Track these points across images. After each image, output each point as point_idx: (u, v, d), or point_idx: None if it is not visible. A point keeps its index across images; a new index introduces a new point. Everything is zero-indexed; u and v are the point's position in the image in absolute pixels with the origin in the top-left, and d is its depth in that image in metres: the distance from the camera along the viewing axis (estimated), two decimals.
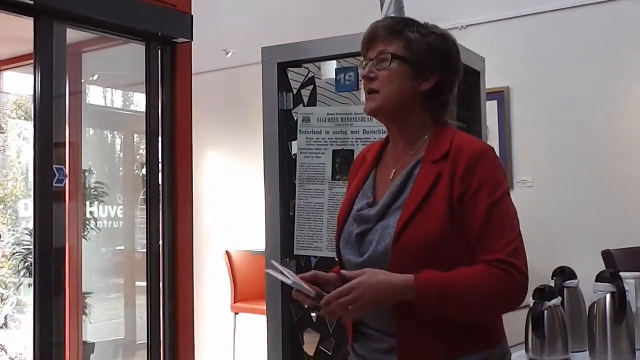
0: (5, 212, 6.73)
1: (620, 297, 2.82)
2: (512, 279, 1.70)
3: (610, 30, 4.72)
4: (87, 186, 4.90)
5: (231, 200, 6.54)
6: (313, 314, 3.48)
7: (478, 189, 1.75)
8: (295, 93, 3.59)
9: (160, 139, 3.81)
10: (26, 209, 7.11)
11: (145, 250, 3.83)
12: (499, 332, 1.88)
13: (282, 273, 1.79)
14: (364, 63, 1.94)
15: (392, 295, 1.70)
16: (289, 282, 1.76)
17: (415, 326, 1.75)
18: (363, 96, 3.41)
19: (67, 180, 3.45)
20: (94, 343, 4.84)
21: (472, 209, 1.74)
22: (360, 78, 1.89)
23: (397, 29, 1.90)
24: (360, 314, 1.73)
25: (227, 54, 6.32)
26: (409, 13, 3.78)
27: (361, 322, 1.89)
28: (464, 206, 1.75)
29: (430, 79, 1.89)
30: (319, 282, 1.80)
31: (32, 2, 3.20)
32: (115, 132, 5.79)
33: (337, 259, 1.99)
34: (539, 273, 3.59)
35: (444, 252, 1.75)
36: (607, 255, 3.95)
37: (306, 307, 3.10)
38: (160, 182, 3.81)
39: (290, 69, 3.61)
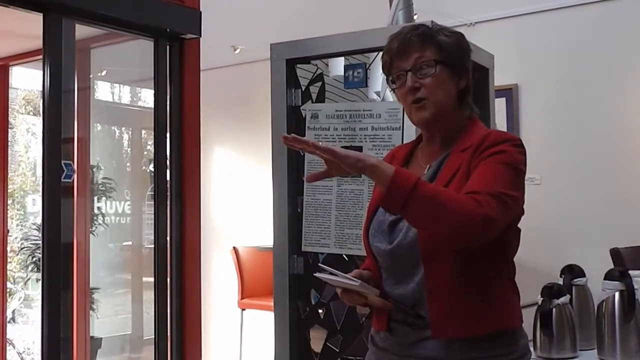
0: (13, 206, 6.75)
1: (629, 295, 2.81)
2: (477, 205, 1.67)
3: (620, 27, 4.70)
4: (94, 181, 4.91)
5: (239, 196, 6.54)
6: (320, 310, 3.48)
7: (492, 155, 1.79)
8: (303, 89, 3.58)
9: (168, 134, 3.81)
10: (34, 203, 7.15)
11: (152, 246, 3.83)
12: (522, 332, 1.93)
13: (333, 275, 1.84)
14: (393, 75, 1.94)
15: (373, 160, 1.69)
16: (354, 284, 1.81)
17: (447, 307, 1.81)
18: (371, 92, 3.43)
19: (75, 176, 3.45)
20: (101, 338, 4.85)
21: (478, 165, 1.79)
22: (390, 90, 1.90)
23: (428, 34, 1.92)
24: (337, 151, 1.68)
25: (235, 50, 6.32)
26: (417, 10, 3.77)
27: (391, 315, 1.93)
28: (476, 169, 1.79)
29: (463, 76, 1.95)
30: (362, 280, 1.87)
31: None
32: (123, 128, 5.81)
33: (365, 249, 2.02)
34: (547, 271, 3.60)
35: None
36: (615, 253, 3.94)
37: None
38: (168, 178, 3.81)
39: (298, 65, 3.60)
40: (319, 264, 1.97)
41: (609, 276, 2.91)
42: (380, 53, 3.34)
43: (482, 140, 1.85)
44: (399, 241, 1.87)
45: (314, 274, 1.94)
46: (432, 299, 1.82)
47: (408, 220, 1.76)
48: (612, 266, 3.57)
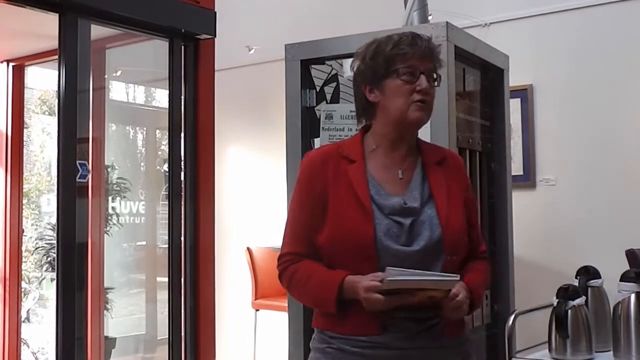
0: (28, 206, 6.77)
1: None
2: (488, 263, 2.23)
3: (637, 27, 4.67)
4: (109, 181, 4.93)
5: (253, 197, 6.54)
6: None
7: (471, 194, 2.23)
8: (318, 90, 3.58)
9: (182, 134, 3.82)
10: (49, 203, 7.16)
11: (166, 246, 3.84)
12: None
13: (405, 276, 1.88)
14: (403, 68, 2.04)
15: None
16: (454, 279, 1.92)
17: None
18: None
19: (90, 176, 3.47)
20: (115, 338, 4.86)
21: (473, 211, 2.23)
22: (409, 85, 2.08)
23: (438, 51, 2.13)
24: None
25: (249, 51, 6.32)
26: (432, 10, 3.76)
27: (392, 312, 1.94)
28: (468, 208, 2.15)
29: None
30: None
31: None
32: (138, 128, 5.82)
33: (370, 252, 1.97)
34: (563, 272, 3.58)
35: (465, 237, 2.11)
36: (630, 254, 3.90)
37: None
38: (182, 178, 3.82)
39: (313, 65, 3.60)
40: (388, 267, 1.88)
41: (624, 277, 2.89)
42: None
43: (449, 160, 2.18)
44: (426, 244, 1.98)
45: (386, 279, 1.84)
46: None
47: None
48: (627, 267, 3.55)
